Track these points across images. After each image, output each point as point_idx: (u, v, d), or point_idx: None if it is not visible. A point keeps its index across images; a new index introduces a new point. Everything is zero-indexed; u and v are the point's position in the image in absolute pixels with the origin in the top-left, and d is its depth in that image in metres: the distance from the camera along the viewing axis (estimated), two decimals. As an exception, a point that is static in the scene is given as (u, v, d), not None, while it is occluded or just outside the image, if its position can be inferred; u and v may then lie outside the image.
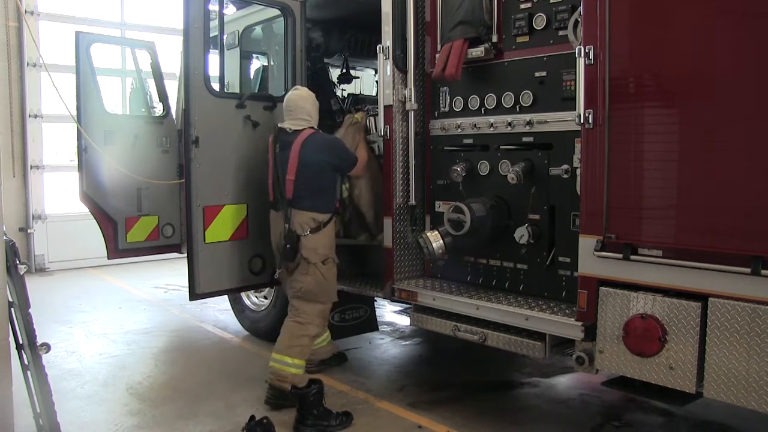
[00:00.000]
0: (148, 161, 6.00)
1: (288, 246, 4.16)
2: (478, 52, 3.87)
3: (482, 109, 3.99)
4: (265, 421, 3.68)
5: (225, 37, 5.70)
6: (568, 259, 3.61)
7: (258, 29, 6.19)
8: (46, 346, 3.03)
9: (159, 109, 6.35)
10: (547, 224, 3.71)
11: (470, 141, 4.10)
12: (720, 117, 2.73)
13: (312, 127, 4.35)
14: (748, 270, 2.61)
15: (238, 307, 5.92)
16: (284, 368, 4.12)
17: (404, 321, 6.05)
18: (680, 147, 2.87)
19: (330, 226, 4.29)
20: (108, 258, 5.97)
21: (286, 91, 5.32)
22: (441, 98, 4.23)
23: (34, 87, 9.22)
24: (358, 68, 7.25)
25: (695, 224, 2.83)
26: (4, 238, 2.99)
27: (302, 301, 4.25)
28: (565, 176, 3.54)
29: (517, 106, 3.79)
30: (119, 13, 10.24)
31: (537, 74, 3.69)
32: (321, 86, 6.41)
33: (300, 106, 4.35)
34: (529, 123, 3.72)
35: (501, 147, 3.93)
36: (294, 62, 5.35)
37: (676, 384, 2.87)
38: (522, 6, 3.73)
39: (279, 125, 4.40)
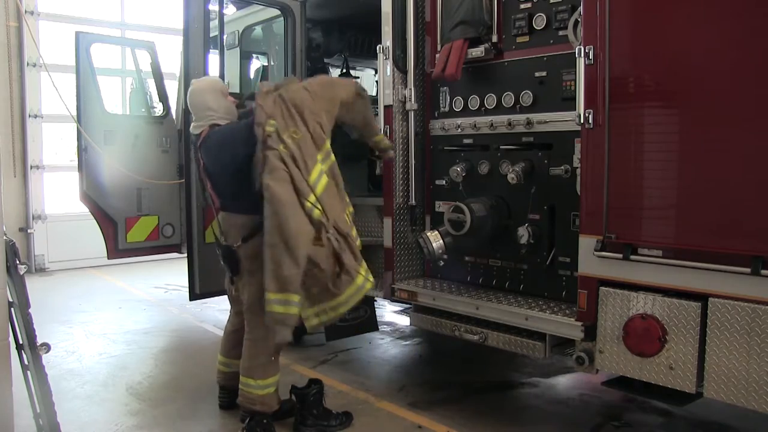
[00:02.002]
0: (148, 161, 6.00)
1: (226, 262, 3.71)
2: (478, 52, 3.87)
3: (482, 109, 3.99)
4: (265, 421, 3.68)
5: (225, 37, 5.71)
6: (568, 259, 3.60)
7: (258, 29, 6.20)
8: (46, 346, 3.03)
9: (159, 109, 6.36)
10: (547, 224, 3.71)
11: (470, 141, 4.10)
12: (720, 117, 2.73)
13: (213, 124, 3.67)
14: (748, 270, 2.61)
15: None
16: (251, 391, 3.74)
17: (404, 321, 6.04)
18: (680, 147, 2.88)
19: None
20: (108, 258, 5.98)
21: (287, 91, 5.33)
22: (441, 98, 4.22)
23: (34, 87, 9.23)
24: (358, 68, 7.26)
25: (695, 224, 2.83)
26: (4, 238, 2.98)
27: (251, 315, 3.74)
28: (565, 176, 3.54)
29: (517, 106, 3.79)
30: (119, 13, 10.24)
31: (537, 74, 3.68)
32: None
33: (198, 101, 3.72)
34: (529, 123, 3.72)
35: (501, 147, 3.93)
36: (294, 62, 5.37)
37: (676, 384, 2.87)
38: (522, 6, 3.73)
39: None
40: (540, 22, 3.64)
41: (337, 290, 3.41)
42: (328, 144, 3.54)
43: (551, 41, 3.61)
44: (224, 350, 4.16)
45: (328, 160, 3.55)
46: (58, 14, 9.54)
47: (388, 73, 4.23)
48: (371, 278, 3.49)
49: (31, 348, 3.00)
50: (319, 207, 3.34)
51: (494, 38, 3.84)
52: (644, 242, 2.97)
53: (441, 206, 4.26)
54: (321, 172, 3.43)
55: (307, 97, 3.53)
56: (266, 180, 3.30)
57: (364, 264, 3.51)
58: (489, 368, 5.01)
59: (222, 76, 5.21)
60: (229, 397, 4.11)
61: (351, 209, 3.70)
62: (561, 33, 3.53)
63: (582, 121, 3.12)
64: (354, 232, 3.60)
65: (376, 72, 6.92)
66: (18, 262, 3.04)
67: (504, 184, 3.79)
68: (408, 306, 4.46)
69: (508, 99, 3.83)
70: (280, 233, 3.26)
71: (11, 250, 3.03)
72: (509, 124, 3.82)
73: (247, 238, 3.62)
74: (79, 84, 5.76)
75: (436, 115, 4.28)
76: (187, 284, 4.98)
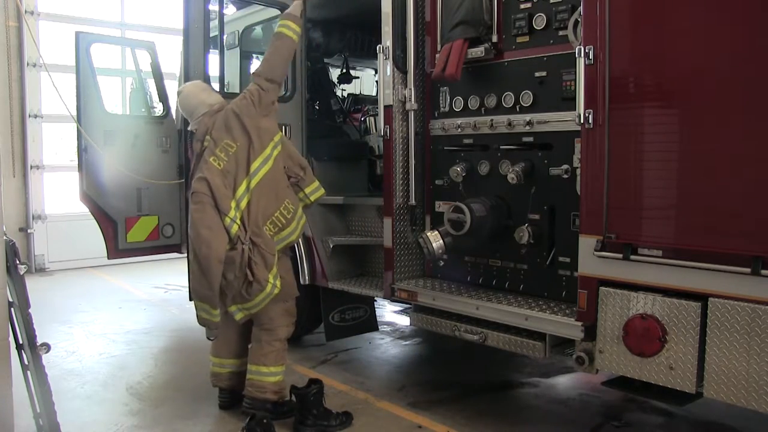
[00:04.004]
0: (148, 161, 6.00)
1: None
2: (478, 52, 3.87)
3: (482, 109, 3.99)
4: (265, 421, 3.68)
5: (225, 37, 5.71)
6: (568, 259, 3.60)
7: (258, 29, 6.19)
8: (46, 346, 3.03)
9: (159, 109, 6.35)
10: (547, 224, 3.71)
11: (470, 141, 4.10)
12: (720, 117, 2.73)
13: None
14: (748, 270, 2.61)
15: None
16: (262, 378, 3.87)
17: (404, 321, 6.05)
18: (680, 147, 2.87)
19: None
20: (108, 258, 5.97)
21: (287, 91, 5.34)
22: (441, 98, 4.22)
23: (34, 87, 9.23)
24: (358, 68, 7.25)
25: (695, 224, 2.83)
26: (4, 238, 2.99)
27: (272, 304, 3.86)
28: (565, 176, 3.54)
29: (517, 106, 3.79)
30: (119, 13, 10.25)
31: (537, 74, 3.68)
32: (321, 86, 6.43)
33: (195, 102, 3.95)
34: (529, 123, 3.71)
35: (501, 147, 3.93)
36: (294, 62, 5.35)
37: (676, 384, 2.87)
38: (522, 6, 3.73)
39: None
40: (540, 22, 3.64)
41: (249, 296, 3.72)
42: (269, 149, 3.79)
43: (551, 41, 3.60)
44: (217, 351, 4.16)
45: (267, 164, 3.76)
46: (58, 14, 9.55)
47: (388, 73, 4.23)
48: (278, 284, 3.77)
49: (31, 348, 3.00)
50: (238, 221, 3.63)
51: (494, 38, 3.84)
52: (644, 242, 2.97)
53: (441, 206, 4.26)
54: (247, 188, 3.69)
55: (245, 105, 3.81)
56: (190, 205, 3.67)
57: (274, 270, 3.75)
58: (489, 368, 5.01)
59: (222, 76, 5.21)
60: (229, 397, 4.11)
61: (287, 203, 3.83)
62: (561, 33, 3.52)
63: (582, 121, 3.12)
64: (284, 229, 3.82)
65: (376, 72, 6.92)
66: (18, 262, 3.05)
67: (504, 184, 3.79)
68: (408, 306, 4.45)
69: (508, 99, 3.83)
70: (195, 257, 3.57)
71: (11, 250, 3.03)
72: (509, 124, 3.82)
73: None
74: (79, 84, 5.75)
75: (436, 115, 4.28)
76: (187, 284, 4.97)
